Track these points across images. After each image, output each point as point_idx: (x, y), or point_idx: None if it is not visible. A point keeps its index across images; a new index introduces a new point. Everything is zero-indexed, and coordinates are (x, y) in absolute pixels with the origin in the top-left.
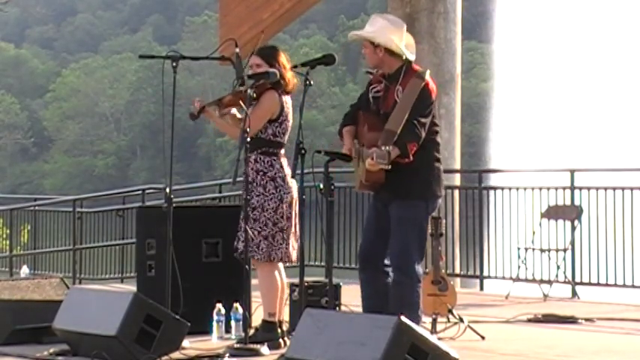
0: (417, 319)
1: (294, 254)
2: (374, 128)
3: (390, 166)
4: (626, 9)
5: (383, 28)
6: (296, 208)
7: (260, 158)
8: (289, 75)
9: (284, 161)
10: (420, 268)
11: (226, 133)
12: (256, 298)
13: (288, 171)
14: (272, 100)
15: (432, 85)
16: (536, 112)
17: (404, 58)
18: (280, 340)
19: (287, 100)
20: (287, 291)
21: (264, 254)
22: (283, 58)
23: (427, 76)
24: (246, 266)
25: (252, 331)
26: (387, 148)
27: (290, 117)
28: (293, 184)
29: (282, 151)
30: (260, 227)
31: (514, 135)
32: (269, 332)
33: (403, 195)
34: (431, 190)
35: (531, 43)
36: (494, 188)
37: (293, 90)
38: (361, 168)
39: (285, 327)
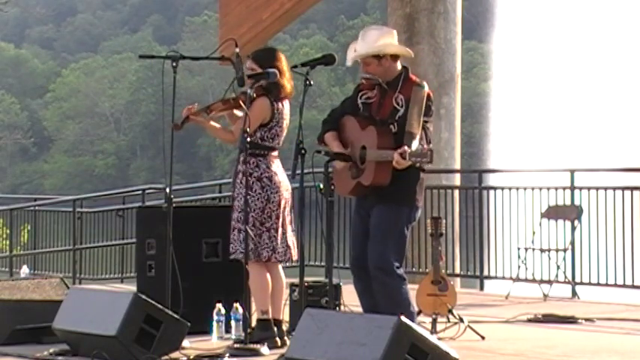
0: (411, 316)
1: (288, 253)
2: (383, 132)
3: (430, 164)
4: (626, 9)
5: (380, 37)
6: (288, 208)
7: (246, 159)
8: (284, 80)
9: (276, 162)
10: (401, 270)
11: (218, 138)
12: None
13: (279, 171)
14: (262, 107)
15: (431, 96)
16: (536, 112)
17: (398, 65)
18: (277, 337)
19: (281, 105)
20: (287, 291)
21: (253, 253)
22: (281, 63)
23: (426, 87)
24: (246, 266)
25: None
26: (430, 145)
27: (283, 122)
28: (283, 185)
29: (274, 154)
30: (248, 228)
31: (514, 135)
32: (265, 330)
33: (388, 200)
34: (414, 198)
35: (531, 43)
36: (494, 188)
37: (289, 96)
38: (360, 171)
39: (285, 327)
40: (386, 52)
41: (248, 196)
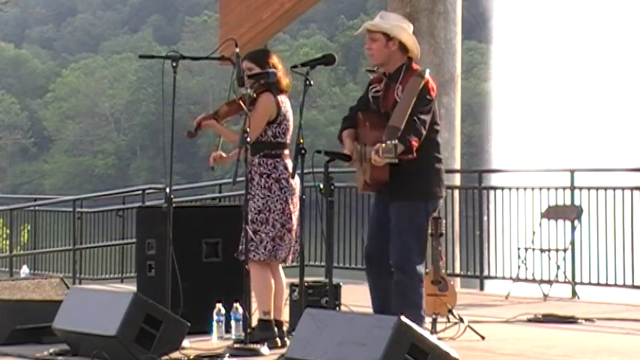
0: (420, 319)
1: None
2: (376, 127)
3: (397, 160)
4: (626, 9)
5: (397, 21)
6: (297, 209)
7: (263, 161)
8: (280, 74)
9: (288, 162)
10: (421, 269)
11: (230, 140)
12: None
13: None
14: (268, 103)
15: (432, 84)
16: (536, 112)
17: (407, 55)
18: (277, 338)
19: (283, 99)
20: (287, 291)
21: (270, 254)
22: (274, 59)
23: (427, 75)
24: (246, 266)
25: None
26: (394, 141)
27: (289, 116)
28: (297, 187)
29: (286, 152)
30: (268, 229)
31: (514, 135)
32: (265, 331)
33: (402, 196)
34: (431, 191)
35: (531, 43)
36: (495, 188)
37: (287, 89)
38: (364, 168)
39: (285, 327)
40: (396, 35)
41: (267, 198)
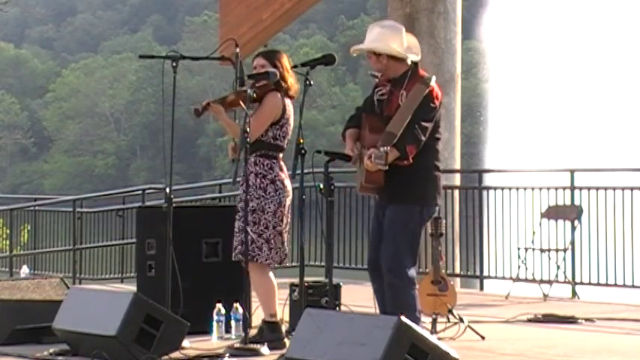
0: (415, 321)
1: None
2: (375, 130)
3: (387, 167)
4: (625, 8)
5: (381, 37)
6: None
7: (259, 161)
8: (291, 80)
9: (283, 165)
10: (413, 272)
11: (230, 132)
12: (256, 298)
13: (286, 174)
14: (275, 103)
15: (437, 92)
16: (535, 112)
17: (409, 61)
18: (285, 339)
19: (289, 103)
20: (287, 291)
21: (269, 257)
22: (286, 62)
23: (432, 82)
24: (246, 267)
25: (254, 332)
26: (385, 148)
27: (291, 120)
28: (290, 189)
29: (281, 155)
30: (261, 230)
31: (514, 135)
32: (275, 332)
33: (399, 199)
34: (426, 196)
35: (530, 43)
36: (494, 188)
37: (295, 95)
38: (362, 170)
39: (285, 327)
40: (382, 51)
41: (261, 199)
